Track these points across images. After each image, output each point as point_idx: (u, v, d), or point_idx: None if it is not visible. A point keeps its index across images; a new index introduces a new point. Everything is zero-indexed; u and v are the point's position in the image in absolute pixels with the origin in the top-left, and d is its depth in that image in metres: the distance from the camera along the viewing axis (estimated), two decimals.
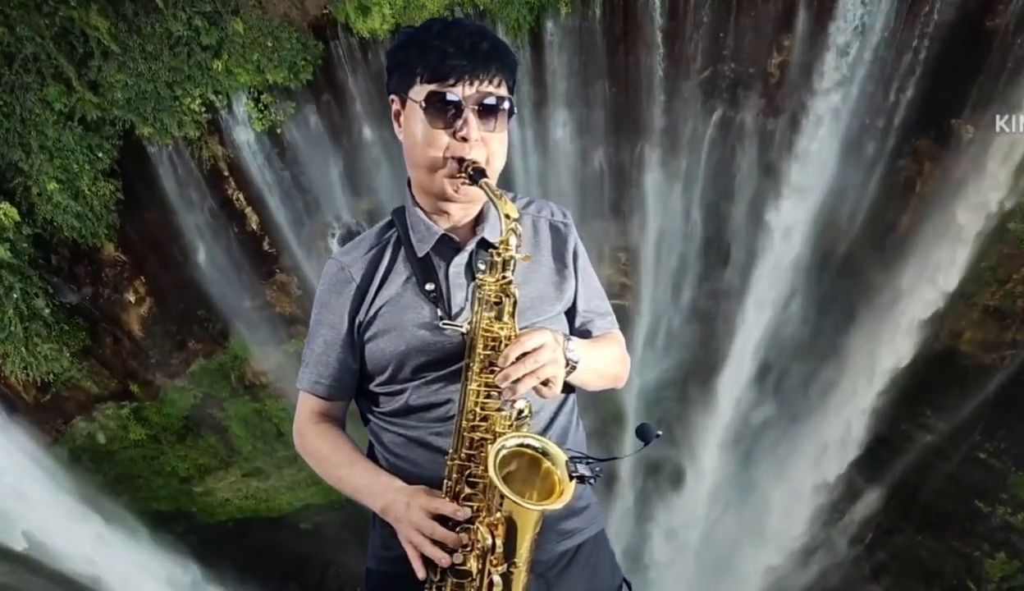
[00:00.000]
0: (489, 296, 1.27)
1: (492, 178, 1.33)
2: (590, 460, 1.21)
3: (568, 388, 1.45)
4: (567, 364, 1.32)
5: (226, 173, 8.25)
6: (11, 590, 9.81)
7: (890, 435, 11.05)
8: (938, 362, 10.40)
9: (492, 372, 1.25)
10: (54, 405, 9.23)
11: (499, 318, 1.26)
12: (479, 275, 1.28)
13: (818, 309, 10.05)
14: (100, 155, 7.47)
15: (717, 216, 8.98)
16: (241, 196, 8.48)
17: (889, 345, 10.21)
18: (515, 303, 1.27)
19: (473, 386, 1.27)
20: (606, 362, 1.51)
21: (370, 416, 1.52)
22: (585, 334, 1.54)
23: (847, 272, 9.74)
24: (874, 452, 11.15)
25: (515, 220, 1.25)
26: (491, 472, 1.13)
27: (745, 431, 11.96)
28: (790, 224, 9.17)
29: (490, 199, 1.28)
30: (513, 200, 1.39)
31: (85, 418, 9.87)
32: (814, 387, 11.11)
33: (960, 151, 8.56)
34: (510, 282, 1.26)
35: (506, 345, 1.25)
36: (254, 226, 8.67)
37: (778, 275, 9.52)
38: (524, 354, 1.22)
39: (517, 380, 1.21)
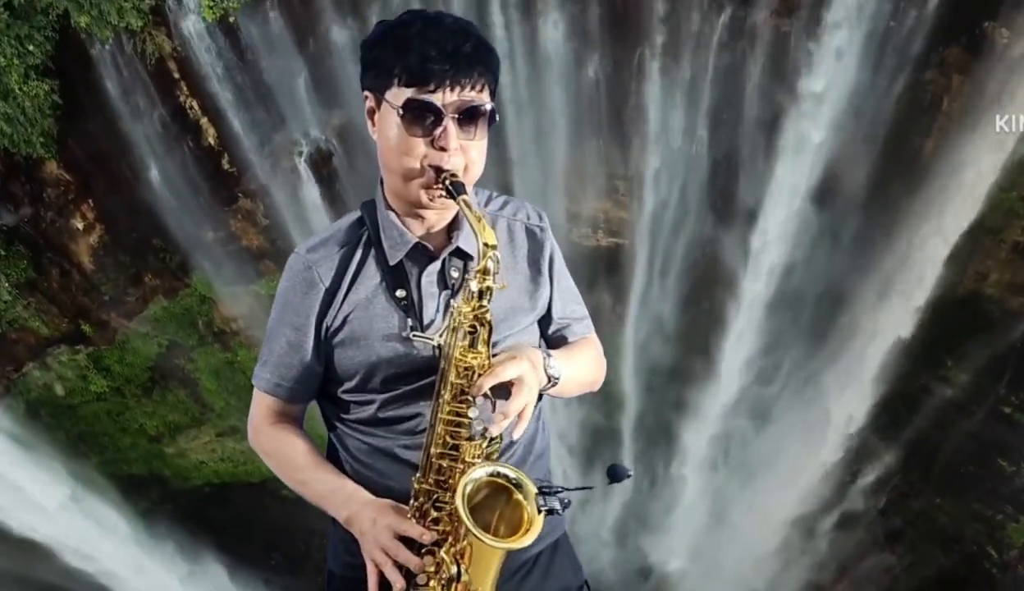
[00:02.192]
0: (463, 324, 1.23)
1: (469, 185, 1.29)
2: (559, 490, 1.24)
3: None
4: (548, 380, 1.34)
5: (176, 76, 7.46)
6: None
7: (908, 389, 10.36)
8: (961, 307, 9.75)
9: (463, 401, 1.24)
10: (2, 350, 8.48)
11: (473, 346, 1.23)
12: (453, 304, 1.26)
13: (833, 243, 9.30)
14: (31, 48, 6.68)
15: (724, 135, 8.22)
16: (195, 104, 7.69)
17: (908, 286, 9.49)
18: (490, 331, 1.24)
19: (443, 415, 1.25)
20: (584, 371, 1.52)
21: (335, 422, 1.48)
22: (560, 340, 1.54)
23: (866, 202, 8.98)
24: (890, 408, 10.46)
25: (493, 248, 1.20)
26: (460, 509, 1.15)
27: (751, 388, 11.24)
28: (804, 147, 8.42)
29: (468, 221, 1.23)
30: (488, 201, 1.46)
31: (39, 366, 9.13)
32: (827, 333, 10.36)
33: (994, 60, 7.82)
34: (486, 311, 1.23)
35: (479, 374, 1.23)
36: (211, 140, 7.88)
37: (791, 205, 8.75)
38: (498, 386, 1.22)
39: (491, 413, 1.22)
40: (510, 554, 1.27)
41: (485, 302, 1.22)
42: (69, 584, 10.39)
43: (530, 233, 1.48)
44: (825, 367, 10.70)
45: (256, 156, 7.88)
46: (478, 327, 1.23)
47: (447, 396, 1.24)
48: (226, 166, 7.97)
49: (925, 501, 10.80)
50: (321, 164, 8.02)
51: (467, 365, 1.23)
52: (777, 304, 10.12)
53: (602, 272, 9.95)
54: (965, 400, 9.98)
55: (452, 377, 1.23)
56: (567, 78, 8.06)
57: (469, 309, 1.22)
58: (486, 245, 1.19)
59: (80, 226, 7.87)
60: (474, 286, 1.21)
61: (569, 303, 1.55)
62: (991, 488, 9.91)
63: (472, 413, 1.23)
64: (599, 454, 12.11)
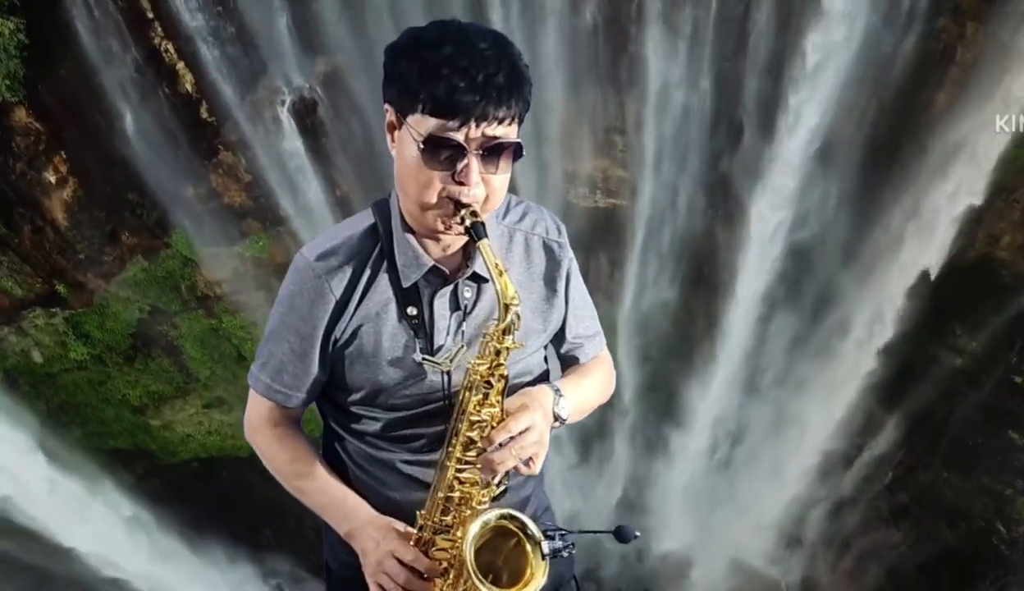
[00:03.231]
0: (478, 381, 1.23)
1: (487, 213, 1.25)
2: (563, 533, 1.25)
3: None
4: (555, 419, 1.34)
5: (150, 15, 7.08)
6: None
7: (915, 358, 10.04)
8: (972, 271, 9.45)
9: (473, 450, 1.25)
10: None
11: (486, 399, 1.23)
12: (470, 362, 1.26)
13: (839, 203, 8.95)
14: None
15: (728, 85, 7.85)
16: (171, 48, 7.31)
17: (917, 249, 9.16)
18: (505, 384, 1.24)
19: (452, 463, 1.26)
20: (592, 397, 1.53)
21: (336, 427, 1.46)
22: (572, 360, 1.55)
23: (873, 159, 8.62)
24: (896, 379, 10.16)
25: (515, 304, 1.18)
26: (468, 562, 1.18)
27: (753, 359, 10.91)
28: (811, 100, 8.05)
29: (488, 270, 1.19)
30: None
31: (14, 331, 8.78)
32: (832, 299, 10.03)
33: (1010, 7, 7.46)
34: (504, 367, 1.23)
35: (492, 426, 1.24)
36: (188, 87, 7.50)
37: (796, 162, 8.40)
38: (510, 438, 1.22)
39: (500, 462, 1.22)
40: None
41: (503, 360, 1.22)
42: (49, 562, 10.09)
43: (548, 249, 1.45)
44: (830, 336, 10.38)
45: (236, 105, 7.51)
46: (493, 382, 1.23)
47: (458, 447, 1.24)
48: (204, 115, 7.60)
49: (932, 475, 10.52)
50: (305, 114, 7.66)
51: (480, 418, 1.24)
52: (782, 268, 9.80)
53: (600, 235, 9.61)
54: (975, 369, 9.69)
55: (464, 429, 1.24)
56: (562, 22, 7.66)
57: (486, 367, 1.22)
58: (507, 305, 1.18)
59: (52, 180, 7.52)
60: (492, 346, 1.21)
61: (583, 320, 1.53)
62: (1000, 461, 9.59)
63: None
64: (594, 432, 11.82)
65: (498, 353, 1.21)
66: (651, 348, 11.04)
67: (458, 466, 1.25)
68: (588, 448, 12.04)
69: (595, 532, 1.49)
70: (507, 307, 1.18)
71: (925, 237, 9.03)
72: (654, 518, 12.54)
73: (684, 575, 12.43)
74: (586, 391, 1.49)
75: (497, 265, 1.19)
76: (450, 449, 1.25)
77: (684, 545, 12.52)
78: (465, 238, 1.28)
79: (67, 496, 10.11)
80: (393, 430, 1.37)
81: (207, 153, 7.85)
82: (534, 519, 1.28)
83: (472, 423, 1.24)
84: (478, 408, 1.23)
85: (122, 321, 9.63)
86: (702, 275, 10.21)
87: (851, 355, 10.29)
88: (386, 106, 1.24)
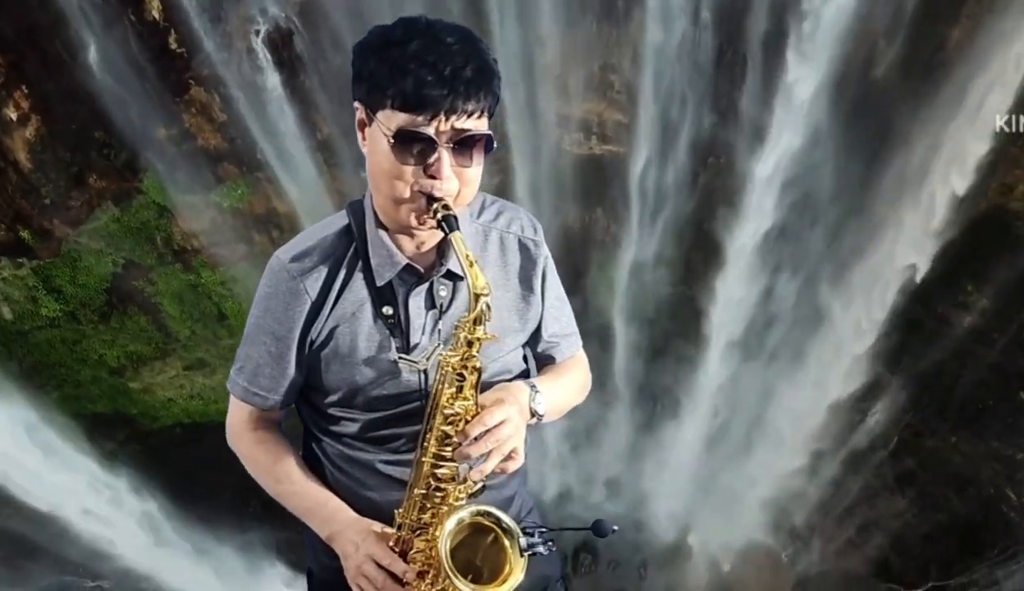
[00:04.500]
0: (451, 373, 1.22)
1: (460, 207, 1.26)
2: (542, 529, 1.26)
3: None
4: (532, 416, 1.34)
5: None
6: None
7: (924, 317, 9.64)
8: (984, 224, 9.01)
9: (449, 445, 1.24)
10: None
11: (460, 392, 1.23)
12: (442, 353, 1.26)
13: (847, 148, 8.51)
14: None
15: (731, 18, 7.39)
16: None
17: (927, 201, 8.75)
18: (478, 378, 1.24)
19: (428, 458, 1.25)
20: (570, 396, 1.54)
21: (314, 429, 1.45)
22: (548, 359, 1.55)
23: (883, 100, 8.17)
24: (904, 339, 9.76)
25: (486, 295, 1.18)
26: (444, 561, 1.17)
27: (755, 319, 10.52)
28: (818, 34, 7.59)
29: (460, 262, 1.19)
30: (481, 209, 1.43)
31: None
32: (838, 254, 9.61)
33: None
34: (475, 358, 1.22)
35: (467, 421, 1.23)
36: (155, 14, 7.03)
37: (802, 101, 7.95)
38: (485, 431, 1.21)
39: (482, 457, 1.21)
40: None
41: (475, 351, 1.22)
42: (30, 531, 9.75)
43: (523, 247, 1.45)
44: (835, 294, 9.98)
45: (207, 34, 7.06)
46: (466, 374, 1.22)
47: (433, 441, 1.24)
48: (173, 45, 7.15)
49: (939, 440, 10.18)
50: (281, 46, 7.22)
51: (454, 411, 1.23)
52: (786, 221, 9.37)
53: (595, 185, 9.18)
54: (986, 328, 9.31)
55: (439, 422, 1.23)
56: None
57: (457, 359, 1.21)
58: (477, 295, 1.17)
59: (14, 116, 7.08)
60: (463, 336, 1.20)
61: (559, 319, 1.53)
62: (1011, 424, 9.22)
63: (462, 468, 1.26)
64: (588, 400, 11.41)
65: (470, 344, 1.21)
66: (648, 307, 10.64)
67: (434, 461, 1.25)
68: (583, 417, 11.69)
69: (574, 529, 1.47)
70: (477, 297, 1.18)
71: (935, 185, 8.61)
72: (652, 488, 12.23)
73: (682, 546, 12.13)
74: (563, 389, 1.50)
75: (468, 256, 1.18)
76: (425, 444, 1.25)
77: (682, 516, 12.21)
78: (439, 236, 1.30)
79: (43, 461, 9.79)
80: (371, 431, 1.38)
81: (178, 89, 7.40)
82: (518, 519, 1.30)
83: (446, 417, 1.23)
84: (451, 401, 1.23)
85: (95, 275, 9.22)
86: (702, 230, 9.79)
87: (855, 314, 9.89)
88: (356, 104, 1.25)
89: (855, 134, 8.65)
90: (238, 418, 1.47)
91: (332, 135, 8.14)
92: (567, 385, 1.52)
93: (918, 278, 9.19)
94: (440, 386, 1.23)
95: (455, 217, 1.20)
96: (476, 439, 1.20)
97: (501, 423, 1.22)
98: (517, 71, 8.07)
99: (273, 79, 7.36)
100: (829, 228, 9.43)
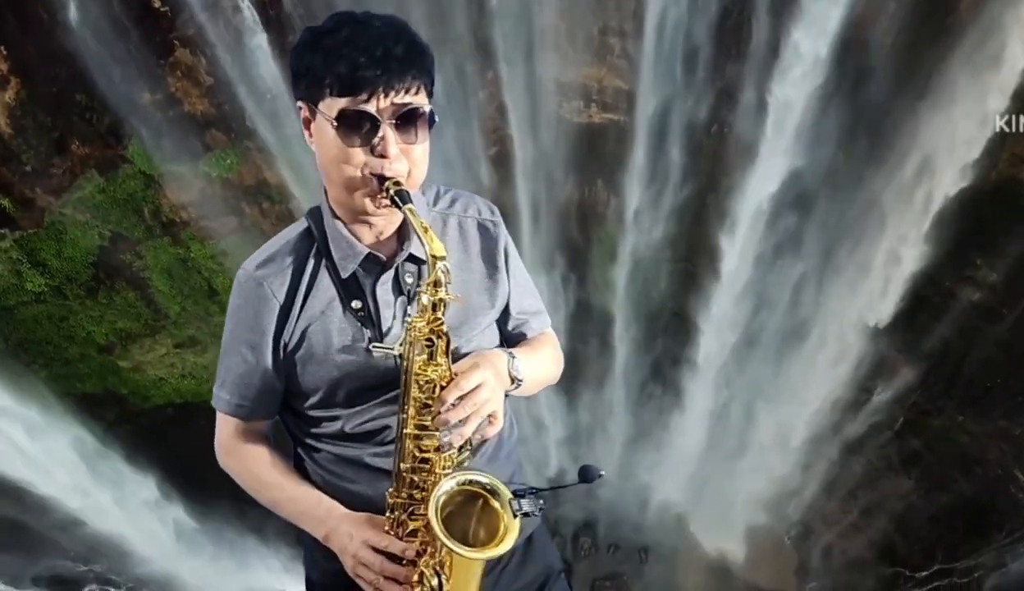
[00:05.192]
0: (420, 339, 1.22)
1: (413, 188, 1.28)
2: (533, 491, 1.24)
3: None
4: (512, 382, 1.35)
5: None
6: None
7: (931, 293, 9.40)
8: (994, 196, 8.76)
9: (427, 414, 1.23)
10: None
11: (432, 358, 1.23)
12: (409, 318, 1.26)
13: (853, 116, 8.24)
14: None
15: None
16: None
17: (936, 172, 8.50)
18: (448, 342, 1.24)
19: (409, 430, 1.24)
20: (546, 368, 1.54)
21: (299, 434, 1.46)
22: (519, 337, 1.56)
23: (891, 63, 7.90)
24: (911, 316, 9.52)
25: (442, 259, 1.20)
26: (434, 525, 1.15)
27: (759, 296, 10.27)
28: None
29: (415, 232, 1.22)
30: (436, 198, 1.47)
31: None
32: (843, 228, 9.36)
33: None
34: (441, 323, 1.22)
35: (441, 387, 1.23)
36: None
37: (809, 67, 7.68)
38: (462, 396, 1.21)
39: (461, 422, 1.21)
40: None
41: (440, 314, 1.22)
42: (19, 512, 9.56)
43: (483, 228, 1.48)
44: (840, 269, 9.74)
45: None
46: (435, 340, 1.22)
47: (411, 411, 1.24)
48: (157, 4, 6.90)
49: (947, 420, 9.97)
50: (269, 4, 6.96)
51: (428, 378, 1.23)
52: (791, 193, 9.12)
53: (595, 155, 8.91)
54: (995, 304, 9.08)
55: (414, 392, 1.23)
56: None
57: (424, 323, 1.22)
58: (434, 257, 1.19)
59: None
60: (426, 299, 1.21)
61: (526, 298, 1.55)
62: (1020, 403, 8.99)
63: (443, 437, 1.23)
64: (587, 377, 11.21)
65: (435, 308, 1.21)
66: (650, 284, 10.40)
67: (415, 432, 1.24)
68: (583, 395, 11.47)
69: (563, 486, 1.47)
70: (435, 259, 1.18)
71: (944, 156, 8.36)
72: (653, 469, 12.03)
73: (683, 530, 11.94)
74: (539, 360, 1.49)
75: (423, 224, 1.20)
76: (404, 416, 1.24)
77: (684, 497, 12.02)
78: (397, 222, 1.34)
79: (32, 442, 9.59)
80: (355, 425, 1.37)
81: (162, 50, 7.14)
82: (497, 469, 1.38)
83: (420, 385, 1.23)
84: (424, 368, 1.22)
85: (81, 248, 8.97)
86: (705, 203, 9.53)
87: (862, 290, 9.66)
88: (299, 104, 1.27)
89: (862, 101, 8.39)
90: (226, 433, 1.47)
91: None
92: (542, 357, 1.52)
93: (925, 252, 8.96)
94: (411, 353, 1.22)
95: (407, 192, 1.22)
96: (453, 405, 1.20)
97: (477, 387, 1.22)
98: (513, 35, 7.82)
99: (260, 39, 7.11)
100: (835, 200, 9.17)
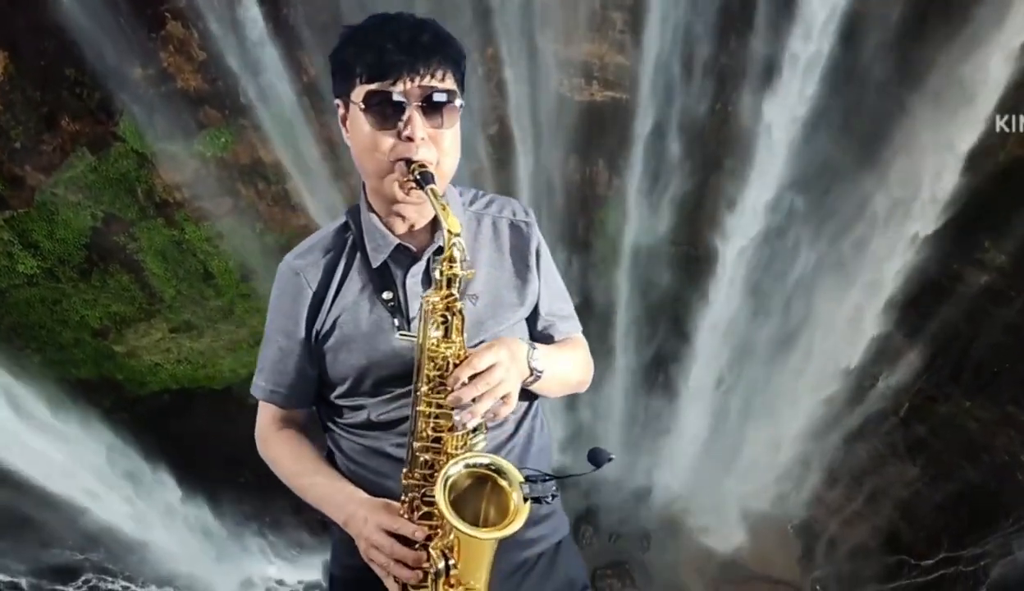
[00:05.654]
0: (435, 315, 1.24)
1: (444, 179, 1.32)
2: (545, 477, 1.25)
3: (531, 395, 1.49)
4: (531, 373, 1.34)
5: None
6: None
7: (939, 276, 9.24)
8: (1003, 176, 8.60)
9: (442, 392, 1.24)
10: None
11: (447, 336, 1.24)
12: (423, 294, 1.27)
13: (862, 91, 8.06)
14: None
15: None
16: None
17: (940, 148, 8.32)
18: (462, 320, 1.25)
19: (422, 408, 1.26)
20: (571, 369, 1.53)
21: (329, 424, 1.52)
22: (547, 339, 1.56)
23: (897, 42, 7.72)
24: (917, 300, 9.35)
25: (457, 235, 1.22)
26: (441, 505, 1.15)
27: (762, 278, 10.11)
28: None
29: (434, 208, 1.23)
30: (473, 199, 1.51)
31: None
32: (848, 210, 9.19)
33: None
34: (456, 299, 1.24)
35: (455, 364, 1.24)
36: None
37: (817, 40, 7.49)
38: (475, 375, 1.22)
39: (474, 400, 1.21)
40: (510, 552, 1.40)
41: (454, 290, 1.23)
42: (18, 502, 9.45)
43: (515, 228, 1.51)
44: (845, 253, 9.57)
45: None
46: (450, 316, 1.23)
47: (424, 388, 1.25)
48: None
49: (953, 406, 9.82)
50: None
51: (442, 355, 1.24)
52: (795, 174, 8.94)
53: (597, 134, 8.73)
54: (1004, 286, 8.91)
55: (428, 369, 1.24)
56: None
57: (439, 298, 1.23)
58: (450, 232, 1.21)
59: None
60: (442, 275, 1.22)
61: (556, 301, 1.56)
62: None
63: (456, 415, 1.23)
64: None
65: (449, 283, 1.22)
66: (652, 269, 10.23)
67: (428, 409, 1.24)
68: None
69: (576, 475, 1.42)
70: (450, 235, 1.20)
71: (951, 132, 8.18)
72: (655, 457, 11.90)
73: (686, 517, 11.81)
74: (564, 360, 1.48)
75: (442, 203, 1.22)
76: (417, 394, 1.25)
77: (686, 486, 11.88)
78: (429, 216, 1.38)
79: (26, 428, 9.48)
80: (381, 413, 1.40)
81: (153, 23, 6.97)
82: (525, 451, 1.45)
83: (434, 361, 1.23)
84: (438, 345, 1.23)
85: (73, 229, 8.81)
86: (707, 185, 9.36)
87: (868, 272, 9.49)
88: (336, 102, 1.34)
89: (870, 79, 8.21)
90: (264, 421, 1.53)
91: (319, 76, 7.70)
92: (567, 357, 1.51)
93: (933, 234, 8.80)
94: (425, 328, 1.23)
95: (432, 174, 1.24)
96: (465, 383, 1.20)
97: (492, 366, 1.22)
98: (513, 9, 7.64)
99: (254, 12, 6.94)
100: (843, 179, 9.00)
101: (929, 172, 8.55)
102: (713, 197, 9.38)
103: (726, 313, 10.45)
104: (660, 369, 11.57)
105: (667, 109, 8.45)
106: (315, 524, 11.76)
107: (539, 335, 1.54)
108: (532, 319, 1.53)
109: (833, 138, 8.61)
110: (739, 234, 9.50)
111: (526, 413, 1.50)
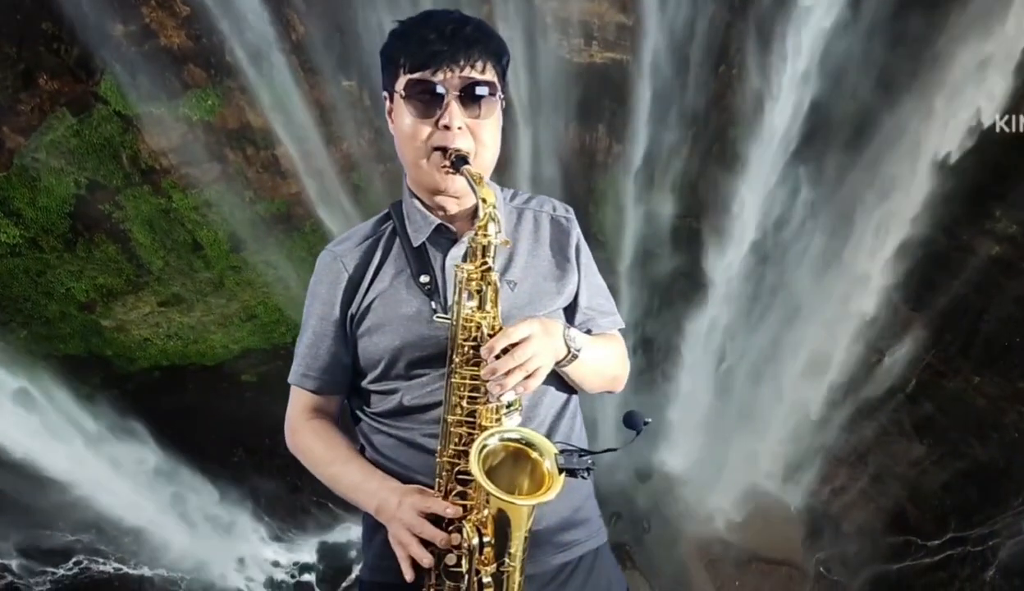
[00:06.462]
0: (470, 284, 1.25)
1: (485, 171, 1.34)
2: (581, 453, 1.22)
3: (569, 389, 1.51)
4: (568, 352, 1.34)
5: None
6: None
7: (947, 247, 9.00)
8: (1014, 143, 8.32)
9: (476, 364, 1.25)
10: None
11: (481, 307, 1.25)
12: (458, 264, 1.28)
13: (869, 56, 7.79)
14: None
15: None
16: None
17: (949, 115, 8.06)
18: (496, 291, 1.26)
19: (456, 380, 1.26)
20: (607, 359, 1.52)
21: (361, 415, 1.53)
22: (586, 332, 1.54)
23: (903, 20, 7.44)
24: (924, 271, 9.11)
25: (492, 205, 1.24)
26: (474, 469, 1.15)
27: (765, 253, 9.87)
28: None
29: (469, 183, 1.26)
30: (514, 196, 1.55)
31: None
32: (854, 180, 8.93)
33: None
34: (490, 268, 1.25)
35: (489, 335, 1.24)
36: None
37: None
38: (511, 346, 1.22)
39: (506, 374, 1.21)
40: (548, 555, 1.40)
41: (489, 259, 1.25)
42: (6, 483, 9.24)
43: (555, 222, 1.54)
44: (852, 224, 9.32)
45: None
46: (484, 286, 1.25)
47: (458, 360, 1.25)
48: None
49: (960, 382, 9.59)
50: None
51: (476, 324, 1.25)
52: (799, 141, 8.68)
53: (597, 97, 8.45)
54: (1015, 257, 8.67)
55: (461, 339, 1.25)
56: None
57: (474, 267, 1.25)
58: (484, 201, 1.23)
59: None
60: (479, 243, 1.24)
61: (596, 296, 1.57)
62: None
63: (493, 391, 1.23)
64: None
65: (484, 252, 1.24)
66: (654, 240, 9.98)
67: (461, 381, 1.25)
68: None
69: (610, 450, 1.36)
70: (484, 202, 1.22)
71: (961, 99, 7.92)
72: (656, 438, 11.69)
73: (688, 498, 11.61)
74: (600, 348, 1.49)
75: (477, 176, 1.25)
76: (452, 366, 1.26)
77: (688, 466, 11.68)
78: (470, 205, 1.41)
79: (14, 406, 9.27)
80: (413, 398, 1.40)
81: None
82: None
83: (469, 331, 1.24)
84: (472, 313, 1.24)
85: (56, 196, 8.55)
86: (711, 154, 9.09)
87: (873, 244, 9.24)
88: (384, 96, 1.39)
89: (878, 39, 7.94)
90: (295, 411, 1.52)
91: (308, 34, 7.42)
92: (604, 347, 1.51)
93: (940, 206, 8.55)
94: (459, 298, 1.24)
95: (466, 157, 1.28)
96: (499, 356, 1.20)
97: (526, 339, 1.22)
98: None
99: None
100: (849, 146, 8.73)
101: (937, 137, 8.29)
102: (717, 166, 9.11)
103: (730, 289, 10.22)
104: (661, 347, 11.35)
105: (669, 70, 8.16)
106: (310, 504, 11.59)
107: (578, 328, 1.52)
108: (571, 313, 1.54)
109: (842, 101, 8.34)
110: (746, 203, 9.25)
111: (563, 409, 1.49)
